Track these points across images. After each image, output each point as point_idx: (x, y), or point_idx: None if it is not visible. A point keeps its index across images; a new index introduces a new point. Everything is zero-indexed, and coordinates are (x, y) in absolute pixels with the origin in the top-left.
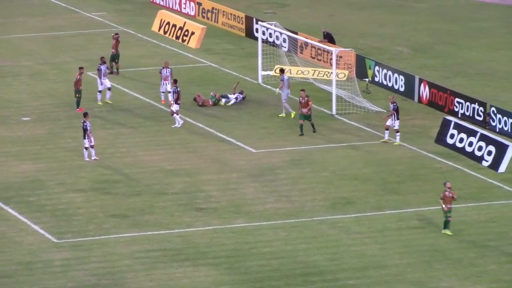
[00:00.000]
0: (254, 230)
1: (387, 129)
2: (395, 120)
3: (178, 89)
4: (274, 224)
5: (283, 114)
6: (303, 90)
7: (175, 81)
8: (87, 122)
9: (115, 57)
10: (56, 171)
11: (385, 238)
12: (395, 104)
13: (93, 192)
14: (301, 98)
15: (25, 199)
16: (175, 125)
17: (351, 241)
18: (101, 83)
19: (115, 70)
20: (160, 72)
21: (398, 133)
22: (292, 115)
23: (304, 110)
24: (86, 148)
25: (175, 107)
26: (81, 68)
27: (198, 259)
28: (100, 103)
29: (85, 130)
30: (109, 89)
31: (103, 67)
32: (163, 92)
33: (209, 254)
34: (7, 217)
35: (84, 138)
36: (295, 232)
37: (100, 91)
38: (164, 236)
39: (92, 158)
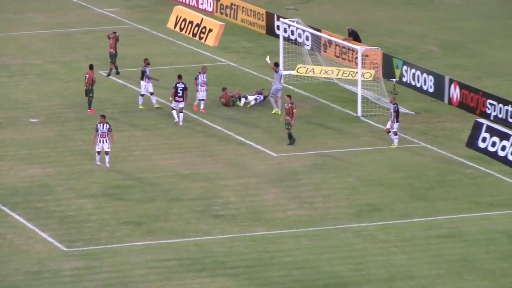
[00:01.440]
0: (275, 238)
1: (388, 132)
2: (394, 122)
3: (177, 85)
4: (295, 232)
5: (277, 109)
6: (288, 96)
7: (180, 76)
8: (101, 124)
9: (112, 58)
10: (66, 175)
11: (413, 247)
12: (395, 105)
13: (105, 198)
14: (286, 104)
15: (33, 205)
16: (179, 122)
17: (377, 251)
18: (145, 87)
19: (114, 71)
20: (196, 78)
21: (397, 136)
22: (274, 111)
23: (287, 118)
24: (99, 152)
25: (182, 104)
26: (91, 66)
27: (215, 269)
28: (141, 107)
29: (96, 131)
30: (151, 93)
31: (147, 69)
32: (201, 100)
33: (228, 264)
34: (14, 224)
35: (97, 141)
36: (318, 241)
37: (142, 95)
38: (179, 245)
39: (107, 163)
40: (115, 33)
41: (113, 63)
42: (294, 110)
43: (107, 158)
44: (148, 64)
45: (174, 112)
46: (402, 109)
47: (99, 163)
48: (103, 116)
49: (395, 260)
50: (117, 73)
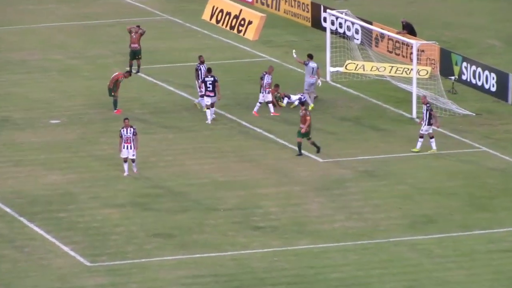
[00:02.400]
0: (320, 252)
1: (431, 137)
2: (425, 124)
3: (206, 79)
4: (343, 246)
5: (312, 105)
6: (302, 103)
7: (209, 70)
8: (126, 128)
9: (137, 53)
10: (90, 182)
11: (473, 263)
12: (428, 105)
13: (132, 207)
14: (300, 111)
15: (53, 215)
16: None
17: (433, 266)
18: (199, 87)
19: (134, 68)
20: (262, 78)
21: (421, 139)
22: (310, 107)
23: (302, 126)
24: (125, 161)
25: (214, 99)
26: (128, 73)
27: (255, 286)
28: (200, 107)
29: (120, 137)
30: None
31: (203, 67)
32: (260, 103)
33: (268, 281)
34: (33, 236)
35: (122, 148)
36: (368, 255)
37: (202, 96)
38: (215, 259)
39: (134, 170)
40: (138, 26)
41: (139, 59)
42: (308, 118)
43: (133, 164)
44: (203, 62)
45: (208, 112)
46: (462, 110)
47: (127, 173)
48: (127, 120)
49: (452, 277)
50: (129, 71)
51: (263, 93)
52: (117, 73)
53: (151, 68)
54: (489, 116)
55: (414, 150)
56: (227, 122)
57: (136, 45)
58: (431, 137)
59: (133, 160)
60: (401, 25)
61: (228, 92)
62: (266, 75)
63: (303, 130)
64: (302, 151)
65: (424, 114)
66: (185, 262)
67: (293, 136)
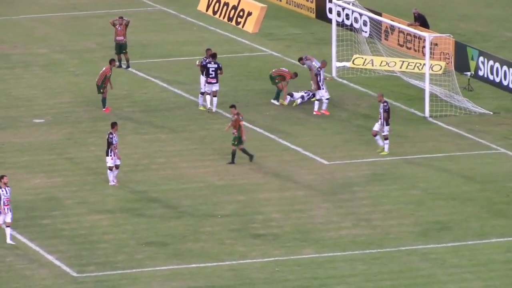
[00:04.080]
0: (326, 262)
1: (374, 135)
2: (383, 124)
3: (209, 65)
4: (350, 255)
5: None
6: (233, 106)
7: (213, 56)
8: (115, 134)
9: (123, 47)
10: (77, 186)
11: (490, 273)
12: (385, 104)
13: (122, 213)
14: (232, 116)
15: (37, 222)
16: (212, 108)
17: (448, 277)
18: (205, 83)
19: (124, 63)
20: (317, 74)
21: (387, 141)
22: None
23: (234, 132)
24: (111, 169)
25: (216, 87)
26: (112, 61)
27: None
28: (201, 107)
29: (109, 144)
30: (213, 93)
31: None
32: (318, 100)
33: None
34: (15, 244)
35: (108, 155)
36: (377, 265)
37: (202, 93)
38: (212, 270)
39: (113, 182)
40: (121, 18)
41: (125, 53)
42: (241, 123)
43: (116, 173)
44: (211, 56)
45: (207, 97)
46: (478, 108)
47: (113, 183)
48: (116, 124)
49: None
50: (120, 66)
51: (323, 89)
52: (104, 68)
53: (142, 62)
54: (507, 115)
55: (383, 153)
56: (225, 122)
57: (122, 38)
58: (386, 139)
59: (117, 167)
60: (413, 16)
61: (226, 88)
62: (321, 71)
63: (244, 138)
64: (308, 155)
65: (381, 114)
66: (179, 273)
67: (297, 136)
